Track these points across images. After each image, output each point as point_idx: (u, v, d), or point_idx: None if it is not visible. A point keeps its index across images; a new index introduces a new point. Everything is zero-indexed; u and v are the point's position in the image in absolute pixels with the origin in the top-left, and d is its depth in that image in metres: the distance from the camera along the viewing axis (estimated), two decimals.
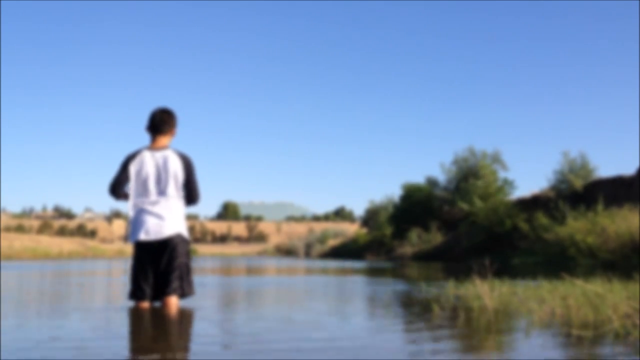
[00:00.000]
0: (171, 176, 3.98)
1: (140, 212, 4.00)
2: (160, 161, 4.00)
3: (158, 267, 3.93)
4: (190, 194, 4.12)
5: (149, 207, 3.97)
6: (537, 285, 5.25)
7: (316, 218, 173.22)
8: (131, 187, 4.03)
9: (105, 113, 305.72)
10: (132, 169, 4.02)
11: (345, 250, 44.27)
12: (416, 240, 32.36)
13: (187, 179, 4.05)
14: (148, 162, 4.00)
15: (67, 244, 38.78)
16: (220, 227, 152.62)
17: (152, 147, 4.08)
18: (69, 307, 4.36)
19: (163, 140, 4.10)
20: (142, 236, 3.94)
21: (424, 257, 28.85)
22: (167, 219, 3.95)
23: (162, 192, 3.98)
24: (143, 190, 4.00)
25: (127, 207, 4.11)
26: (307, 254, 53.71)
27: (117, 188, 4.05)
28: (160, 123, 4.10)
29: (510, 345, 2.74)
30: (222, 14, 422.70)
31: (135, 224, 4.01)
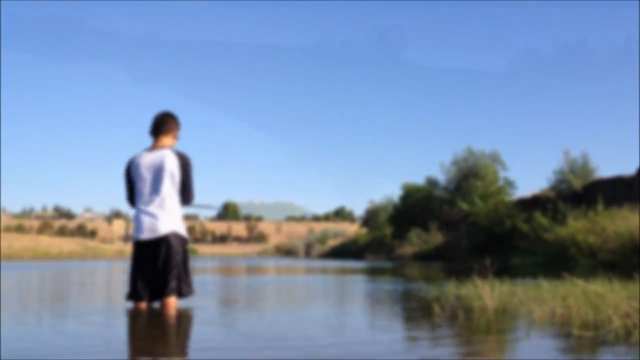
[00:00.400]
0: (167, 174, 3.96)
1: (136, 211, 4.01)
2: (156, 160, 3.99)
3: (155, 267, 3.90)
4: (184, 194, 4.07)
5: (143, 207, 3.96)
6: (537, 285, 5.24)
7: (316, 218, 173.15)
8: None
9: (105, 113, 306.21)
10: (131, 173, 4.03)
11: (345, 251, 44.33)
12: (416, 241, 32.38)
13: (183, 178, 4.03)
14: (144, 162, 4.00)
15: (67, 244, 38.83)
16: (220, 227, 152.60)
17: (151, 147, 4.08)
18: (68, 308, 4.36)
19: (163, 140, 4.10)
20: (138, 236, 3.94)
21: (424, 257, 28.87)
22: (161, 217, 3.92)
23: (157, 190, 3.96)
24: (140, 190, 4.00)
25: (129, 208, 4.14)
26: (307, 254, 53.77)
27: (133, 199, 4.10)
28: (161, 123, 4.10)
29: (510, 345, 2.74)
30: (222, 14, 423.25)
31: (134, 224, 4.01)
